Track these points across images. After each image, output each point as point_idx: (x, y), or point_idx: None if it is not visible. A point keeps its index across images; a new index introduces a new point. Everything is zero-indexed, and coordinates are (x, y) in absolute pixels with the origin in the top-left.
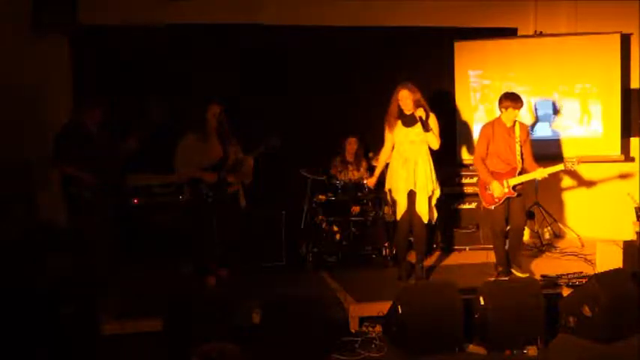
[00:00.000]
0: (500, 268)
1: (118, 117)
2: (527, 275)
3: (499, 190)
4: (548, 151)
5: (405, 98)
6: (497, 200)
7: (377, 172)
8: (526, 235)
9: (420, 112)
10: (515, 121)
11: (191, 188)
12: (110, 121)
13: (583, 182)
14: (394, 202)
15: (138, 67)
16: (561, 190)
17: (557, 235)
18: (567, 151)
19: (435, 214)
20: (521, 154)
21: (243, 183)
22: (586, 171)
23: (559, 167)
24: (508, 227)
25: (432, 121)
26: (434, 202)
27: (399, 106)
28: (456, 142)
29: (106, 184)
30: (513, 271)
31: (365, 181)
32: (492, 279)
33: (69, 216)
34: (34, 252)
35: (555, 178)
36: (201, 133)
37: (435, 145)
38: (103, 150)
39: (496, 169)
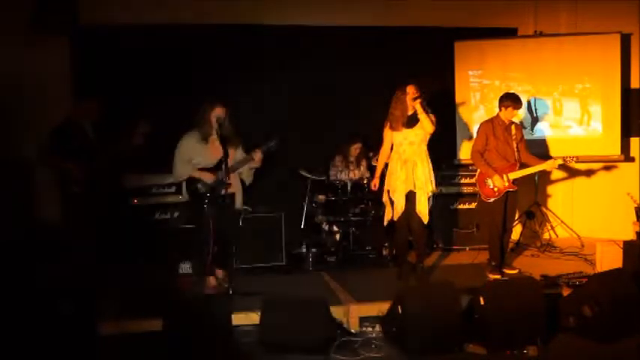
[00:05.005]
0: (493, 263)
1: (117, 117)
2: (517, 271)
3: (500, 182)
4: (547, 151)
5: (413, 93)
6: (496, 193)
7: (377, 174)
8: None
9: (416, 104)
10: (510, 121)
11: (189, 188)
12: (109, 120)
13: (582, 182)
14: (392, 203)
15: (138, 67)
16: (561, 190)
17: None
18: (567, 151)
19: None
20: (518, 151)
21: (244, 183)
22: (586, 171)
23: (558, 162)
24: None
25: (428, 121)
26: (431, 202)
27: (401, 109)
28: (455, 142)
29: (99, 182)
30: (504, 269)
31: (365, 182)
32: (492, 278)
33: (62, 214)
34: (34, 252)
35: (555, 178)
36: (202, 133)
37: (429, 128)
38: (98, 149)
39: (495, 165)
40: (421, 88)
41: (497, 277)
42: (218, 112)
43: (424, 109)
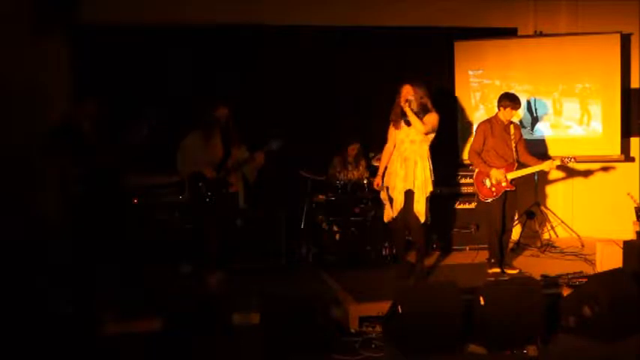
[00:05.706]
0: (492, 261)
1: (117, 116)
2: (517, 271)
3: (499, 175)
4: (547, 151)
5: (406, 94)
6: (494, 193)
7: (380, 171)
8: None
9: (405, 106)
10: (509, 121)
11: (191, 187)
12: (109, 120)
13: (582, 182)
14: (391, 200)
15: (138, 67)
16: (561, 190)
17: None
18: (567, 151)
19: (429, 215)
20: (516, 151)
21: (247, 182)
22: (586, 171)
23: (556, 162)
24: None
25: (430, 118)
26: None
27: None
28: (456, 142)
29: (99, 182)
30: (504, 269)
31: (365, 181)
32: (492, 272)
33: (61, 214)
34: (33, 252)
35: (555, 178)
36: (205, 132)
37: (421, 128)
38: (98, 148)
39: (494, 165)
40: (417, 89)
41: (497, 270)
42: (221, 112)
43: (414, 112)
